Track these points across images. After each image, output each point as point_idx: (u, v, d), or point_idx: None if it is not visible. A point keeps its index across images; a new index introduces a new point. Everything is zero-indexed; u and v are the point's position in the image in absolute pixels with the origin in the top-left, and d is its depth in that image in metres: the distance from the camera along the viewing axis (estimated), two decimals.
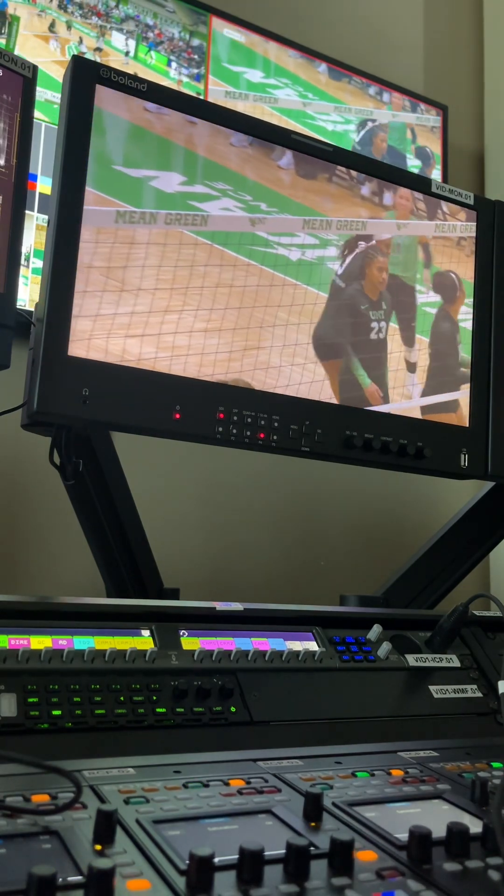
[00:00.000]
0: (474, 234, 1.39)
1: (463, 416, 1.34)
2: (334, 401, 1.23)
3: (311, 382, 1.22)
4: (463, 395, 1.34)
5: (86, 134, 1.07)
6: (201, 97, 1.87)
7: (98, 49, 1.79)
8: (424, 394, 1.31)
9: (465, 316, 1.37)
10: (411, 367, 1.31)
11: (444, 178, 2.24)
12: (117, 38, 1.82)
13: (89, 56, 1.75)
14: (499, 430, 1.34)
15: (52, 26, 1.73)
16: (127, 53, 1.83)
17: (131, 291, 1.09)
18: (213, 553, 1.82)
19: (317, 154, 1.25)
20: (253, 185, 1.21)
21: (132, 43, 1.84)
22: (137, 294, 1.10)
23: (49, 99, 1.68)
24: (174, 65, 1.88)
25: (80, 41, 1.77)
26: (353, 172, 1.29)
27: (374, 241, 1.30)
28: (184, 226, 1.15)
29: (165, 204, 1.13)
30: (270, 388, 1.18)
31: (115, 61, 1.80)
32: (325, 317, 1.24)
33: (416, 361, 1.32)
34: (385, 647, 1.06)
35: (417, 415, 1.30)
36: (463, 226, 1.38)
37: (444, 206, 1.37)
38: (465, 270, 1.38)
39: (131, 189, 1.11)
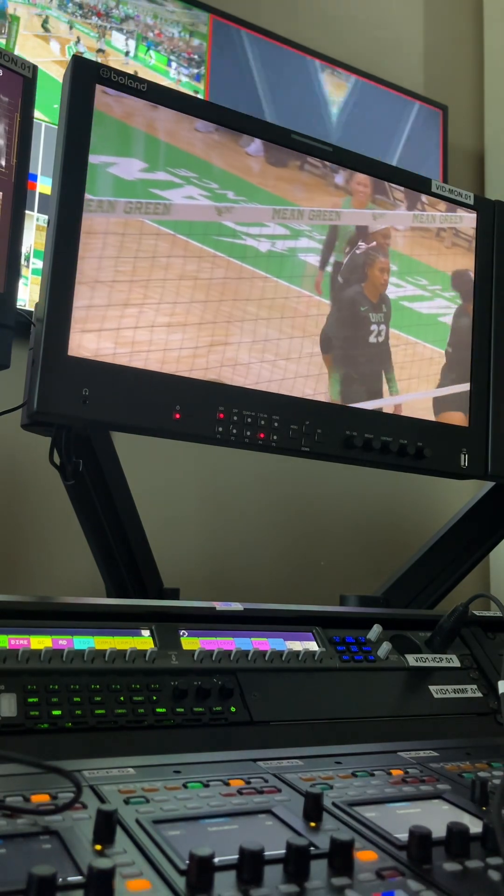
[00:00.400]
0: (455, 226, 1.36)
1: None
2: (312, 398, 1.20)
3: (282, 380, 1.18)
4: (458, 390, 1.33)
5: (86, 134, 1.07)
6: (200, 97, 1.87)
7: (100, 51, 1.79)
8: (397, 392, 1.29)
9: (444, 310, 1.34)
10: None
11: (444, 178, 2.24)
12: (117, 38, 1.82)
13: (90, 56, 1.75)
14: (499, 430, 1.34)
15: (45, 23, 1.73)
16: (127, 53, 1.83)
17: (87, 284, 1.05)
18: (213, 553, 1.82)
19: (317, 154, 1.25)
20: (219, 173, 1.16)
21: (132, 43, 1.84)
22: (94, 287, 1.06)
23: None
24: (174, 64, 1.88)
25: (78, 41, 1.77)
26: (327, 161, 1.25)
27: (374, 243, 1.29)
28: (144, 214, 1.10)
29: (125, 192, 1.09)
30: (239, 385, 1.14)
31: (115, 61, 1.80)
32: (329, 315, 1.23)
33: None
34: (385, 647, 1.06)
35: (429, 408, 1.30)
36: (443, 216, 1.35)
37: (424, 196, 1.34)
38: (444, 263, 1.34)
39: (88, 176, 1.07)
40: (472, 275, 1.37)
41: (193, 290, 1.12)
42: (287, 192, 1.22)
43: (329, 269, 1.24)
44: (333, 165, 1.26)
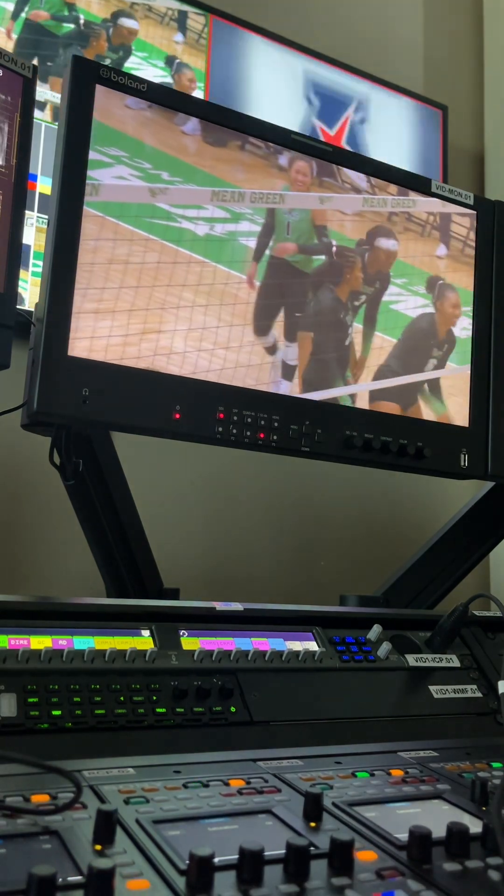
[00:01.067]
0: (408, 210, 1.31)
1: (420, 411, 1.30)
2: (253, 387, 1.16)
3: (222, 370, 1.12)
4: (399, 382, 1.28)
5: (86, 134, 1.07)
6: (201, 97, 1.87)
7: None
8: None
9: (395, 298, 1.29)
10: (287, 370, 1.19)
11: (444, 178, 2.24)
12: None
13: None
14: (499, 430, 1.34)
15: None
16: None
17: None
18: (213, 553, 1.82)
19: (317, 155, 1.25)
20: (152, 153, 1.11)
21: None
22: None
23: (49, 99, 1.68)
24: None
25: None
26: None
27: (367, 252, 1.26)
28: None
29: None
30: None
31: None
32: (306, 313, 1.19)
33: (295, 363, 1.20)
34: (385, 647, 1.06)
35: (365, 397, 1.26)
36: (394, 200, 1.30)
37: (373, 178, 1.29)
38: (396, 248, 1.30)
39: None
40: (438, 263, 1.33)
41: (124, 274, 1.07)
42: (226, 174, 1.16)
43: (265, 258, 1.19)
44: (277, 146, 1.21)
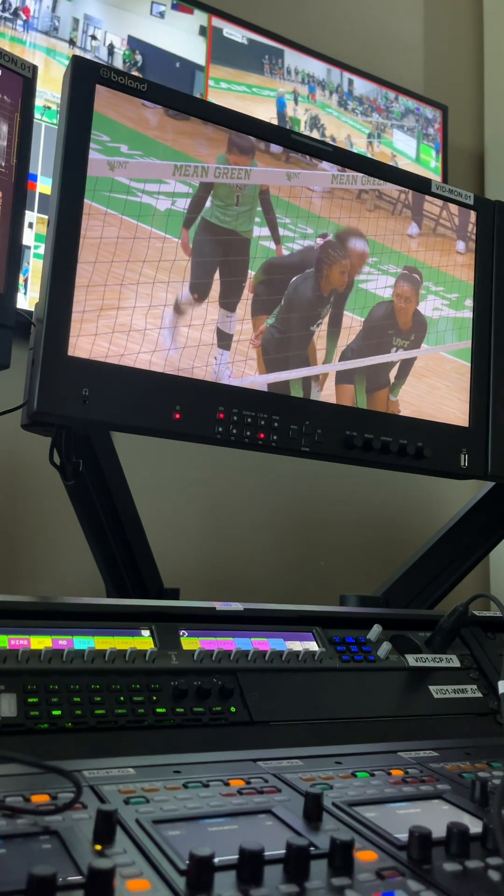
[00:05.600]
0: (378, 188, 1.28)
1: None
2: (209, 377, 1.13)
3: (184, 348, 1.11)
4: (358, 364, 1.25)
5: (86, 134, 1.07)
6: (201, 97, 1.87)
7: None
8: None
9: (365, 277, 1.26)
10: (224, 340, 1.14)
11: (444, 178, 2.24)
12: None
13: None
14: (499, 430, 1.34)
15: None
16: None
17: None
18: (213, 553, 1.82)
19: (317, 154, 1.25)
20: (111, 125, 1.09)
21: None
22: None
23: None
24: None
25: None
26: None
27: (330, 237, 1.23)
28: None
29: None
30: (132, 353, 1.07)
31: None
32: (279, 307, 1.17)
33: (234, 334, 1.15)
34: (385, 647, 1.06)
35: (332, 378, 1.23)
36: (364, 177, 1.28)
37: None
38: (365, 227, 1.28)
39: None
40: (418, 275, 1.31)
41: (80, 250, 1.05)
42: (189, 148, 1.14)
43: (196, 226, 1.14)
44: None
